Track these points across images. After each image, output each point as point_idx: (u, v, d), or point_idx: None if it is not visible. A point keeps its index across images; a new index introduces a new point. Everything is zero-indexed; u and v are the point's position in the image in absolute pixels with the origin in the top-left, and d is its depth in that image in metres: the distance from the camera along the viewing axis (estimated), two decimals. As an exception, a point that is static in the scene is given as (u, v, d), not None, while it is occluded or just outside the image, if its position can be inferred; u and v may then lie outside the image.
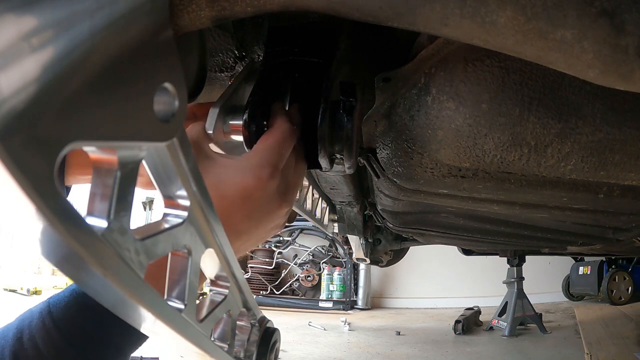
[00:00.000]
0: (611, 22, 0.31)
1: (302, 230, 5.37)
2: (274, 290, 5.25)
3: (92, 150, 0.22)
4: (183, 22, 0.34)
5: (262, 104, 0.46)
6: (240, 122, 0.45)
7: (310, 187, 1.07)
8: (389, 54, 0.63)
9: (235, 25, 0.59)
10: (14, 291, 4.44)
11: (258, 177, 0.41)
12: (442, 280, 4.95)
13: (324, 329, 3.92)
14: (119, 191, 0.23)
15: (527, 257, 3.47)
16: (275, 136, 0.42)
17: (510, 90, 0.54)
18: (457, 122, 0.58)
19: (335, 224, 1.48)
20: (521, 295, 3.59)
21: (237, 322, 0.44)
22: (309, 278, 5.33)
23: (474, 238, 1.63)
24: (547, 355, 2.92)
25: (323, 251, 5.43)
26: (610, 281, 4.01)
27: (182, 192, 0.30)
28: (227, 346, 0.41)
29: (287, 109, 0.48)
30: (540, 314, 3.58)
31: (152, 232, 0.26)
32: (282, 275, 5.38)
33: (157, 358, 2.56)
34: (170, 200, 0.30)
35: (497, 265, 3.94)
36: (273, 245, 5.44)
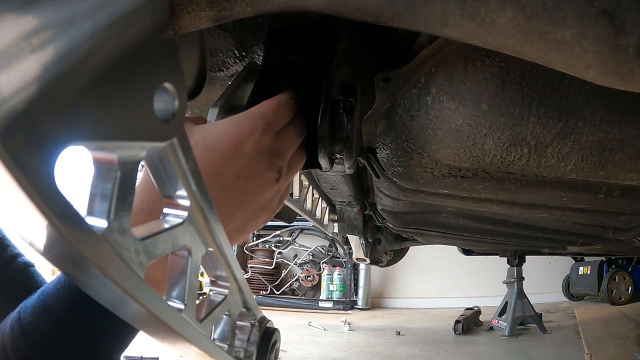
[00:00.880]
0: (611, 22, 0.31)
1: (302, 230, 5.37)
2: (274, 290, 5.25)
3: (92, 150, 0.22)
4: (183, 22, 0.34)
5: None
6: None
7: (310, 187, 1.07)
8: (389, 54, 0.63)
9: (235, 25, 0.59)
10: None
11: (250, 128, 0.39)
12: (442, 280, 4.95)
13: (324, 329, 3.92)
14: (119, 191, 0.23)
15: (527, 257, 3.46)
16: (273, 100, 0.42)
17: (510, 90, 0.54)
18: (457, 122, 0.58)
19: (335, 224, 1.48)
20: (521, 295, 3.59)
21: (237, 322, 0.44)
22: (309, 278, 5.33)
23: (474, 238, 1.63)
24: (547, 355, 2.92)
25: (323, 251, 5.43)
26: (610, 281, 4.01)
27: (182, 192, 0.30)
28: (227, 346, 0.41)
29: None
30: (540, 314, 3.58)
31: (152, 232, 0.26)
32: (282, 275, 5.38)
33: (157, 358, 2.56)
34: (170, 200, 0.30)
35: (497, 265, 3.94)
36: (273, 245, 5.44)
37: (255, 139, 0.40)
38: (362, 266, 5.06)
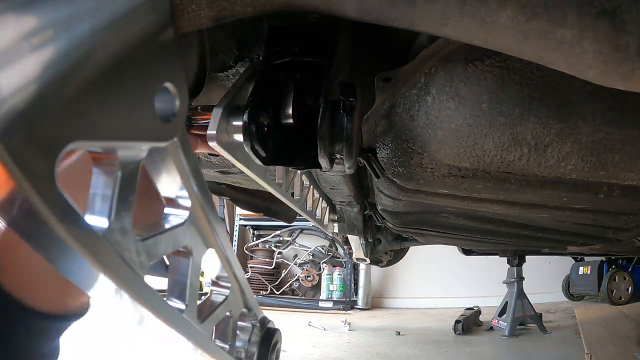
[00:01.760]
0: (611, 22, 0.31)
1: (302, 230, 5.36)
2: (274, 290, 5.24)
3: (92, 150, 0.22)
4: (183, 22, 0.33)
5: (262, 105, 0.46)
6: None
7: (311, 187, 1.07)
8: (389, 54, 0.63)
9: (235, 25, 0.59)
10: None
11: None
12: (442, 280, 4.94)
13: (324, 329, 3.92)
14: (119, 191, 0.22)
15: (527, 257, 3.46)
16: None
17: (511, 90, 0.54)
18: (457, 122, 0.58)
19: (335, 224, 1.48)
20: (521, 295, 3.59)
21: (238, 323, 0.44)
22: (309, 278, 5.32)
23: (474, 238, 1.63)
24: (547, 355, 2.92)
25: (323, 251, 5.43)
26: (610, 281, 4.01)
27: (183, 193, 0.30)
28: (228, 347, 0.41)
29: (289, 108, 0.48)
30: (540, 314, 3.58)
31: (153, 232, 0.26)
32: (282, 275, 5.37)
33: None
34: (171, 201, 0.30)
35: (497, 265, 3.94)
36: (273, 245, 5.44)
37: None
38: (362, 266, 5.06)
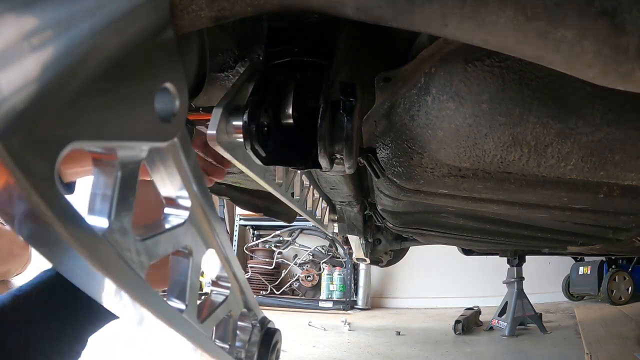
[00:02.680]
0: (611, 22, 0.31)
1: (302, 230, 5.36)
2: (274, 290, 5.24)
3: (92, 150, 0.22)
4: (183, 22, 0.33)
5: (262, 105, 0.46)
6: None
7: (311, 187, 1.07)
8: (389, 54, 0.63)
9: (235, 25, 0.59)
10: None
11: None
12: (442, 280, 4.94)
13: (324, 329, 3.92)
14: (119, 191, 0.22)
15: (527, 257, 3.46)
16: None
17: (511, 90, 0.54)
18: (457, 122, 0.58)
19: (335, 224, 1.48)
20: (521, 295, 3.59)
21: (238, 323, 0.44)
22: (309, 278, 5.32)
23: (474, 238, 1.63)
24: (547, 355, 2.92)
25: (323, 251, 5.43)
26: (610, 281, 4.01)
27: (183, 193, 0.30)
28: (228, 347, 0.41)
29: (289, 108, 0.48)
30: (540, 314, 3.58)
31: (153, 232, 0.26)
32: (282, 275, 5.37)
33: None
34: (171, 201, 0.30)
35: (497, 265, 3.94)
36: (273, 245, 5.44)
37: None
38: (362, 266, 5.06)
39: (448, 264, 4.67)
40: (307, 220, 1.20)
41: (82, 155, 0.57)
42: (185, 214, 0.29)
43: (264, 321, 0.49)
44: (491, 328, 3.70)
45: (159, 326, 0.27)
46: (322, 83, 0.47)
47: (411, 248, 2.46)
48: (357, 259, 2.12)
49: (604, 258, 4.00)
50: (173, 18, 0.33)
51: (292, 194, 0.92)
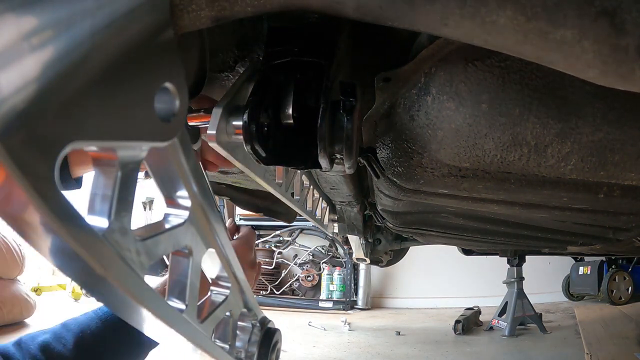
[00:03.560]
0: (611, 22, 0.31)
1: (302, 230, 5.36)
2: (274, 290, 5.24)
3: (92, 150, 0.22)
4: (183, 21, 0.33)
5: (262, 105, 0.46)
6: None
7: (311, 187, 1.07)
8: (389, 54, 0.63)
9: (235, 25, 0.59)
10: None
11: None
12: (442, 280, 4.94)
13: (324, 329, 3.92)
14: (119, 191, 0.22)
15: (527, 257, 3.46)
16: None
17: (511, 90, 0.54)
18: (457, 122, 0.58)
19: (335, 224, 1.48)
20: (521, 295, 3.59)
21: (238, 323, 0.44)
22: (309, 278, 5.32)
23: (474, 238, 1.63)
24: (547, 355, 2.92)
25: (323, 251, 5.43)
26: (610, 281, 4.01)
27: (183, 193, 0.30)
28: (228, 347, 0.41)
29: (289, 108, 0.48)
30: (540, 314, 3.58)
31: (153, 232, 0.26)
32: (282, 275, 5.37)
33: None
34: (171, 201, 0.30)
35: (497, 265, 3.94)
36: (273, 245, 5.44)
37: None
38: (362, 266, 5.06)
39: (448, 264, 4.67)
40: (307, 220, 1.20)
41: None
42: (185, 214, 0.29)
43: (264, 321, 0.49)
44: (491, 328, 3.70)
45: (159, 326, 0.27)
46: (322, 83, 0.47)
47: (411, 248, 2.46)
48: (357, 259, 2.12)
49: (604, 258, 4.01)
50: (173, 18, 0.33)
51: (292, 194, 0.92)
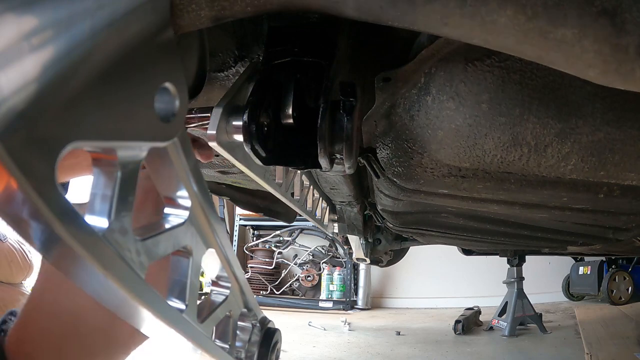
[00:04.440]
0: (612, 22, 0.31)
1: (302, 230, 5.36)
2: (274, 290, 5.24)
3: (92, 150, 0.22)
4: (183, 21, 0.33)
5: (262, 105, 0.46)
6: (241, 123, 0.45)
7: (311, 187, 1.07)
8: (389, 54, 0.63)
9: (235, 25, 0.59)
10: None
11: None
12: (442, 280, 4.95)
13: (324, 329, 3.92)
14: (119, 191, 0.22)
15: (527, 257, 3.46)
16: None
17: (511, 90, 0.54)
18: (457, 122, 0.58)
19: (335, 224, 1.48)
20: (521, 295, 3.59)
21: (238, 323, 0.44)
22: (309, 278, 5.32)
23: (474, 238, 1.63)
24: (547, 355, 2.92)
25: (323, 251, 5.43)
26: (610, 281, 4.01)
27: (183, 193, 0.30)
28: (228, 347, 0.41)
29: (289, 108, 0.48)
30: (540, 314, 3.58)
31: (153, 232, 0.26)
32: (282, 275, 5.37)
33: None
34: (171, 201, 0.30)
35: (497, 265, 3.94)
36: (273, 245, 5.43)
37: None
38: (362, 266, 5.06)
39: (448, 264, 4.67)
40: (307, 220, 1.20)
41: (78, 163, 0.58)
42: (185, 214, 0.29)
43: (264, 321, 0.49)
44: (491, 328, 3.70)
45: (159, 326, 0.27)
46: (322, 83, 0.47)
47: (411, 248, 2.46)
48: (357, 259, 2.12)
49: (604, 258, 4.01)
50: (173, 18, 0.33)
51: (292, 194, 0.92)
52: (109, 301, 0.25)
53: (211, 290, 0.40)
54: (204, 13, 0.34)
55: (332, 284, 5.15)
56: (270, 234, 5.46)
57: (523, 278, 3.63)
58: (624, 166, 0.59)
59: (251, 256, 5.49)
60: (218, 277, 0.40)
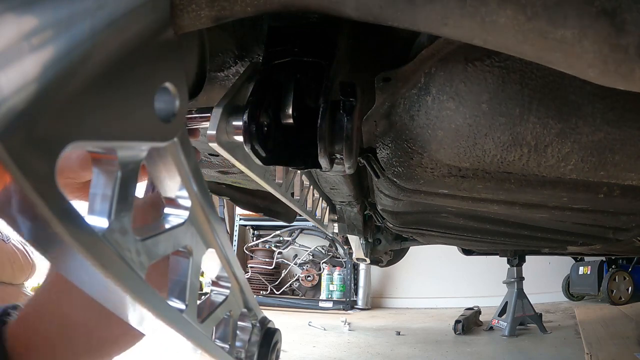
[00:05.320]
0: (611, 22, 0.31)
1: (302, 230, 5.36)
2: (274, 290, 5.24)
3: (92, 150, 0.22)
4: (183, 21, 0.33)
5: (262, 105, 0.46)
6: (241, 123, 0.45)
7: (311, 187, 1.07)
8: (389, 54, 0.63)
9: (235, 25, 0.59)
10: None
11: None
12: (442, 280, 4.95)
13: (324, 329, 3.92)
14: (119, 191, 0.22)
15: (527, 257, 3.46)
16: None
17: (511, 90, 0.54)
18: (457, 122, 0.58)
19: (335, 224, 1.48)
20: (521, 295, 3.59)
21: (238, 323, 0.44)
22: (309, 278, 5.32)
23: (474, 238, 1.63)
24: (547, 355, 2.92)
25: (323, 251, 5.43)
26: (610, 281, 4.01)
27: (183, 193, 0.30)
28: (228, 347, 0.41)
29: (289, 108, 0.48)
30: (540, 314, 3.58)
31: (153, 232, 0.26)
32: (282, 275, 5.37)
33: None
34: (171, 201, 0.30)
35: (497, 265, 3.94)
36: (273, 245, 5.44)
37: None
38: (362, 266, 5.06)
39: (448, 264, 4.67)
40: (307, 220, 1.20)
41: (71, 184, 0.59)
42: (185, 214, 0.29)
43: (264, 321, 0.49)
44: (491, 328, 3.70)
45: (159, 326, 0.27)
46: (322, 83, 0.47)
47: (411, 248, 2.46)
48: (357, 259, 2.12)
49: (604, 258, 4.01)
50: (173, 18, 0.33)
51: (292, 194, 0.92)
52: (108, 301, 0.25)
53: (211, 290, 0.40)
54: (204, 13, 0.34)
55: (332, 284, 5.15)
56: (270, 234, 5.46)
57: (523, 278, 3.63)
58: (624, 166, 0.59)
59: (251, 256, 5.49)
60: (218, 277, 0.40)
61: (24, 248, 3.09)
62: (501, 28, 0.32)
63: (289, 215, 1.70)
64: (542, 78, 0.53)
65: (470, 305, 4.07)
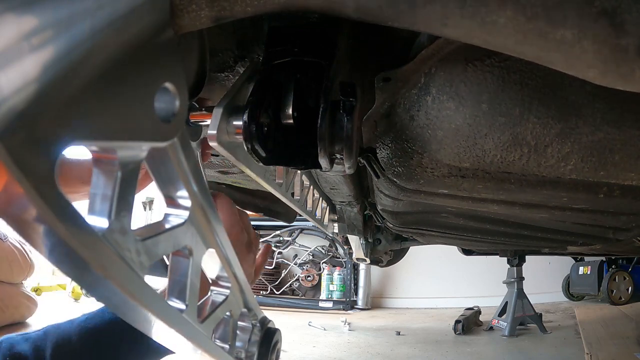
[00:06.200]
0: (611, 22, 0.31)
1: (302, 230, 5.36)
2: (274, 290, 5.24)
3: (93, 150, 0.22)
4: (183, 21, 0.33)
5: (262, 105, 0.46)
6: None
7: (311, 187, 1.07)
8: (389, 54, 0.63)
9: (235, 25, 0.59)
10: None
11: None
12: (442, 280, 4.95)
13: (324, 329, 3.92)
14: (119, 191, 0.22)
15: (527, 257, 3.46)
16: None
17: (511, 90, 0.54)
18: (457, 122, 0.58)
19: (335, 224, 1.48)
20: (521, 295, 3.59)
21: (239, 323, 0.44)
22: (309, 278, 5.32)
23: (474, 238, 1.63)
24: (547, 355, 2.92)
25: (323, 251, 5.43)
26: (610, 281, 4.01)
27: (183, 193, 0.30)
28: (228, 347, 0.41)
29: (289, 108, 0.48)
30: (540, 314, 3.58)
31: (153, 232, 0.26)
32: (282, 275, 5.37)
33: None
34: (171, 201, 0.30)
35: (497, 265, 3.94)
36: (273, 245, 5.44)
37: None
38: (362, 266, 5.06)
39: (448, 264, 4.67)
40: (307, 220, 1.20)
41: (74, 180, 0.59)
42: (185, 214, 0.29)
43: (264, 321, 0.49)
44: (491, 328, 3.70)
45: (159, 326, 0.27)
46: (322, 83, 0.47)
47: (411, 248, 2.46)
48: (357, 259, 2.12)
49: (604, 258, 4.01)
50: (173, 18, 0.33)
51: (292, 194, 0.92)
52: (109, 301, 0.25)
53: (211, 290, 0.40)
54: (204, 13, 0.34)
55: (332, 284, 5.15)
56: (270, 234, 5.46)
57: (523, 278, 3.63)
58: (624, 166, 0.59)
59: (251, 256, 5.49)
60: (218, 277, 0.40)
61: (22, 247, 3.08)
62: (501, 28, 0.32)
63: (289, 215, 1.70)
64: (542, 78, 0.53)
65: (470, 305, 4.07)
